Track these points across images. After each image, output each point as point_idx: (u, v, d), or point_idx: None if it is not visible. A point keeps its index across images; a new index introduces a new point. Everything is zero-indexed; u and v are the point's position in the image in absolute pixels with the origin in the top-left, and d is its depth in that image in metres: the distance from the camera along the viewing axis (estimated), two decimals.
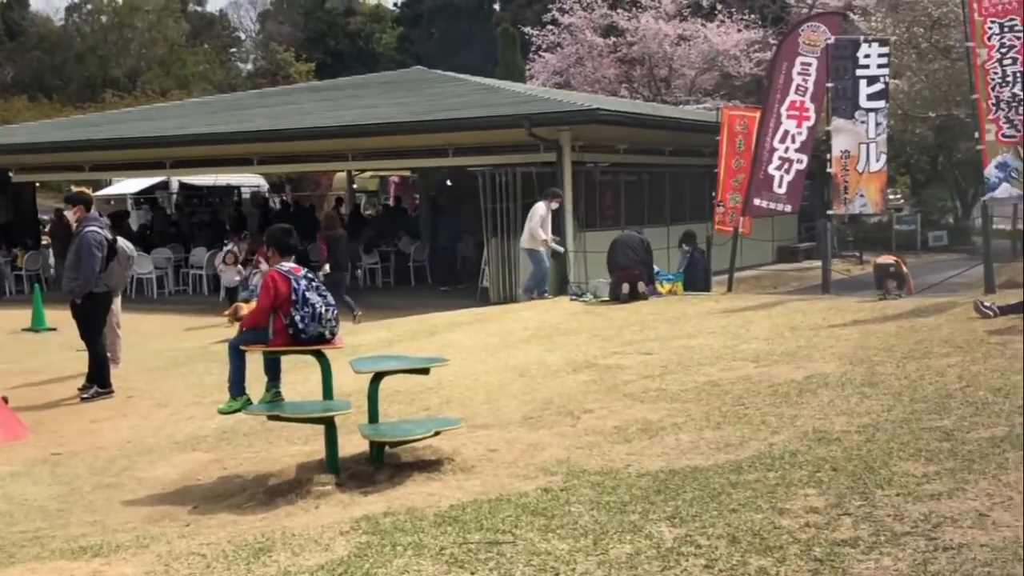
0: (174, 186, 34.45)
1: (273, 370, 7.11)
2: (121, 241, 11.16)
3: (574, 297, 15.08)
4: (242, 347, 6.78)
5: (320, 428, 6.65)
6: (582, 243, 17.79)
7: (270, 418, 6.62)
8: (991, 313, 9.20)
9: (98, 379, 10.68)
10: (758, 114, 15.92)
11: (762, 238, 20.95)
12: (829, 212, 13.44)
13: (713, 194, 17.39)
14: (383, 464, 6.54)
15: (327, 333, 6.71)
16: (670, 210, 21.92)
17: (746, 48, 36.28)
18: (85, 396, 10.58)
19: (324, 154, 21.77)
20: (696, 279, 15.45)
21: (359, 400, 7.21)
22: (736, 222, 16.04)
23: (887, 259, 12.85)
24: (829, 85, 12.81)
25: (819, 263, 24.13)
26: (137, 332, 15.59)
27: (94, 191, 36.85)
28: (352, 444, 6.72)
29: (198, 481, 6.85)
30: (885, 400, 6.91)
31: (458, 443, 7.03)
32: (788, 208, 14.65)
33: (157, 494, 6.64)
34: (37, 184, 29.25)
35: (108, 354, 12.00)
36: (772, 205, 14.51)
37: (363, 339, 12.67)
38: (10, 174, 25.44)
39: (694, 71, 37.77)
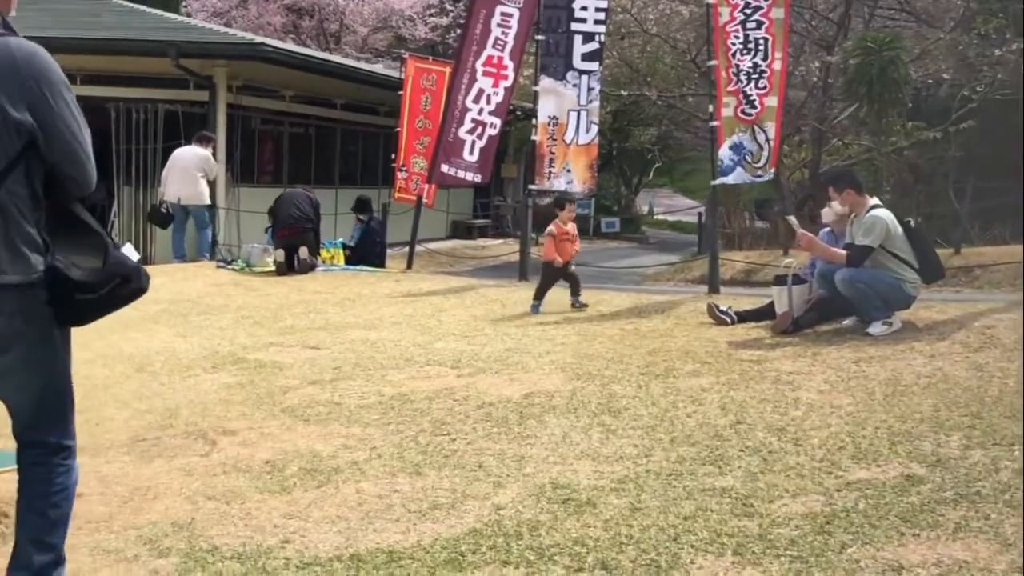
0: None
1: None
2: None
3: (222, 264, 12.59)
4: None
5: None
6: (235, 200, 15.24)
7: None
8: (728, 320, 7.75)
9: None
10: (449, 69, 14.07)
11: (436, 210, 19.21)
12: (531, 187, 11.74)
13: (392, 157, 15.40)
14: None
15: None
16: (340, 171, 19.72)
17: (422, 11, 34.90)
18: None
19: None
20: (371, 253, 13.36)
21: None
22: (420, 190, 14.11)
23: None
24: (539, 38, 11.06)
25: (496, 242, 22.91)
26: None
27: None
28: None
29: None
30: (637, 438, 5.13)
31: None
32: (479, 178, 12.88)
33: None
34: None
35: None
36: (461, 173, 12.67)
37: None
38: None
39: (367, 29, 35.82)
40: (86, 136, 2.99)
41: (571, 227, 9.27)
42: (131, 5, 20.12)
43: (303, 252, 12.16)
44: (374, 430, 5.45)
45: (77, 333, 8.04)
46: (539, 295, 9.08)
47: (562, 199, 9.44)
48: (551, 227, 9.23)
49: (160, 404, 6.10)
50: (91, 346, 7.55)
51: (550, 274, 9.13)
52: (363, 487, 4.56)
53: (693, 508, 4.14)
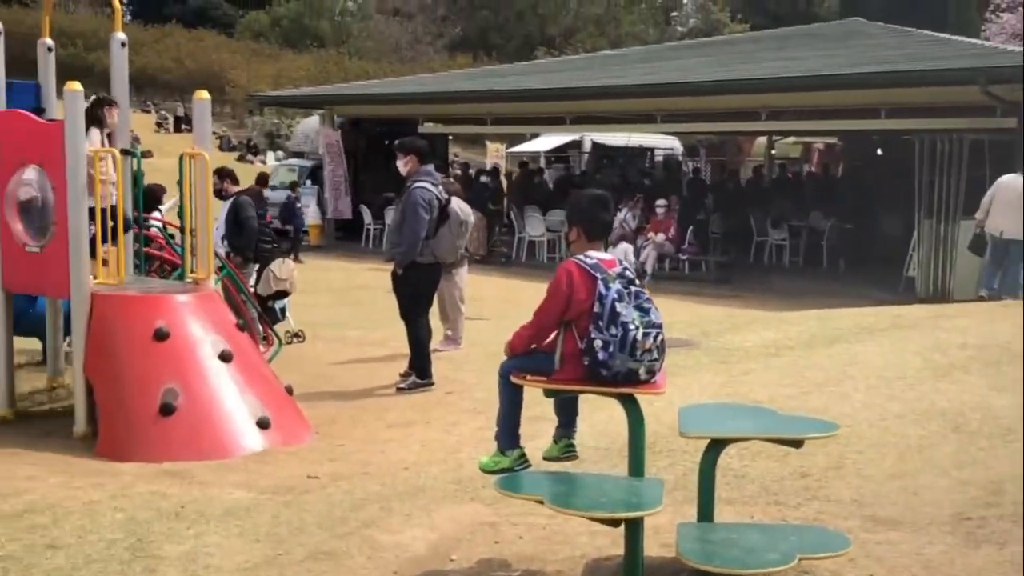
0: (586, 145, 33.12)
1: (567, 408, 4.81)
2: (455, 202, 9.34)
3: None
4: (515, 379, 4.51)
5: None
6: None
7: (537, 502, 4.30)
8: None
9: (417, 368, 8.97)
10: None
11: None
12: None
13: None
14: None
15: (641, 371, 4.28)
16: None
17: None
18: (402, 386, 8.94)
19: (735, 112, 19.19)
20: None
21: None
22: None
23: None
24: None
25: None
26: (513, 302, 13.98)
27: (508, 147, 36.64)
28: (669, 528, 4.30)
29: (447, 566, 4.70)
30: None
31: (840, 560, 4.41)
32: None
33: None
34: (450, 136, 28.97)
35: (449, 333, 10.49)
36: None
37: (745, 340, 10.09)
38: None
39: None
40: None
41: None
42: (935, 34, 19.73)
43: None
44: None
45: (884, 378, 7.75)
46: None
47: None
48: None
49: (982, 475, 5.58)
50: (902, 397, 7.28)
51: None
52: None
53: None
